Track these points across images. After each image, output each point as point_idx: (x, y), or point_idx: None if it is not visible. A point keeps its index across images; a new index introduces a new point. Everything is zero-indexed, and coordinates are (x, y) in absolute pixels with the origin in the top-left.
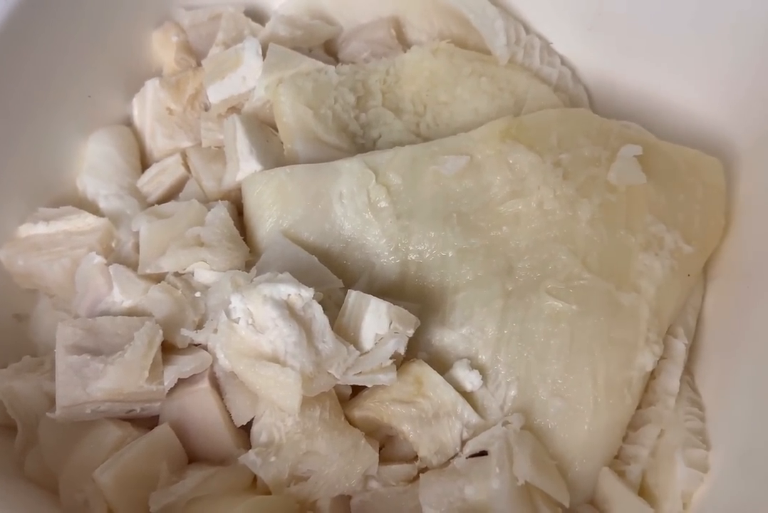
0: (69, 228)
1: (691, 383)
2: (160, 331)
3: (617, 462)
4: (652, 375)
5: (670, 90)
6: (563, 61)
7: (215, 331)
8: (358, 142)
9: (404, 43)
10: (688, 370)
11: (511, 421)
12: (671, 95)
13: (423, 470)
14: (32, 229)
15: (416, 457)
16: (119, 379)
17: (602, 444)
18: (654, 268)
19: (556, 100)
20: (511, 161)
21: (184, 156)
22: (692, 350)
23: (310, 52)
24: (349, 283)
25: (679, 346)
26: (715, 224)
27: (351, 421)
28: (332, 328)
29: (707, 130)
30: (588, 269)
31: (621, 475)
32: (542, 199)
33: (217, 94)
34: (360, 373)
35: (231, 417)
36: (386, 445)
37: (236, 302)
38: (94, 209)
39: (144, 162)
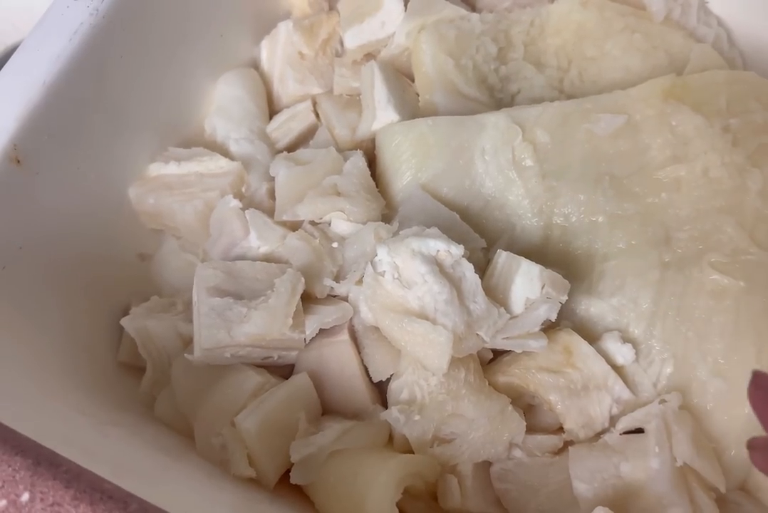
0: (201, 170)
1: None
2: (302, 279)
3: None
4: None
5: None
6: (719, 22)
7: (358, 283)
8: (496, 96)
9: None
10: None
11: (668, 399)
12: None
13: (568, 443)
14: (163, 169)
15: (559, 430)
16: (264, 324)
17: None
18: None
19: (722, 62)
20: (673, 123)
21: (315, 103)
22: None
23: None
24: (489, 244)
25: None
26: None
27: (494, 387)
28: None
29: None
30: (756, 243)
31: None
32: (708, 166)
33: (354, 39)
34: (509, 337)
35: (368, 372)
36: (527, 414)
37: (382, 255)
38: (223, 152)
39: (271, 107)
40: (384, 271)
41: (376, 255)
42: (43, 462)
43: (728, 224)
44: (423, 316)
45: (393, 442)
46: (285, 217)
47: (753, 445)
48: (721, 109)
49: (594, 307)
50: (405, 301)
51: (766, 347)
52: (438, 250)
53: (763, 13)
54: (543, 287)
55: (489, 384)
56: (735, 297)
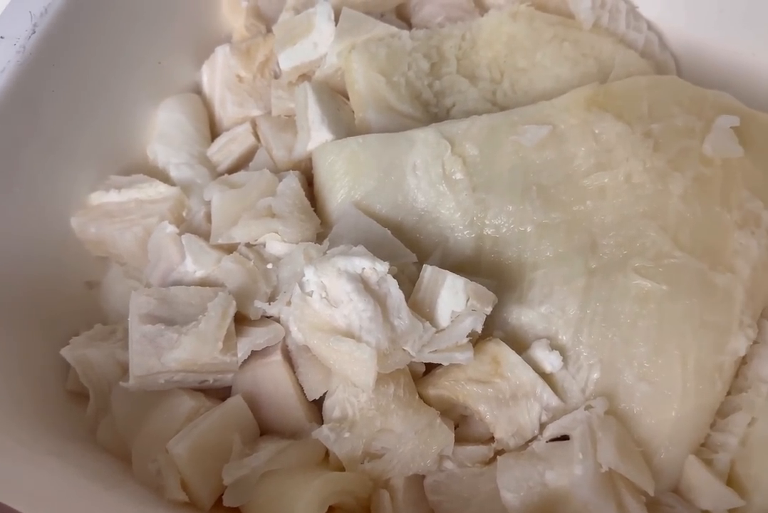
0: (140, 196)
1: None
2: (234, 302)
3: (704, 450)
4: (743, 360)
5: (764, 58)
6: (650, 26)
7: (288, 303)
8: (431, 111)
9: (481, 7)
10: None
11: (594, 405)
12: (765, 63)
13: (499, 452)
14: (104, 197)
15: (492, 439)
16: (194, 349)
17: (689, 431)
18: (750, 247)
19: (645, 67)
20: (597, 131)
21: (254, 125)
22: None
23: (381, 17)
24: (422, 257)
25: None
26: None
27: (425, 400)
28: (407, 303)
29: None
30: (679, 247)
31: (708, 463)
32: (631, 172)
33: (288, 60)
34: (435, 350)
35: (303, 391)
36: (460, 425)
37: (310, 275)
38: (164, 178)
39: (213, 130)
40: (312, 291)
41: (304, 275)
42: None
43: (651, 229)
44: (349, 334)
45: (329, 459)
46: (220, 241)
47: None
48: (643, 114)
49: (524, 316)
50: (332, 319)
51: (689, 350)
52: (363, 268)
53: (693, 14)
54: (468, 300)
55: (421, 397)
56: (658, 301)
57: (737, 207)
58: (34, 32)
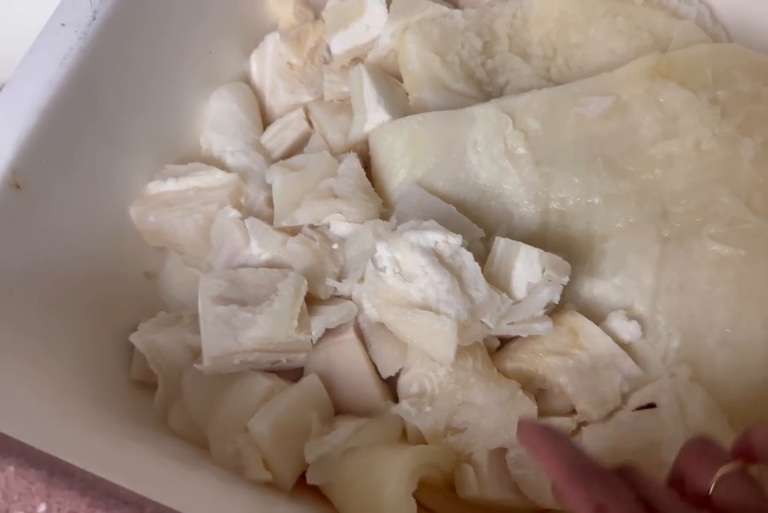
0: (199, 184)
1: None
2: (305, 281)
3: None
4: None
5: None
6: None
7: (360, 280)
8: (485, 90)
9: None
10: None
11: (677, 372)
12: None
13: (582, 424)
14: (162, 186)
15: (572, 413)
16: (269, 328)
17: None
18: None
19: (704, 36)
20: (661, 100)
21: (306, 111)
22: None
23: None
24: (488, 234)
25: None
26: None
27: (503, 373)
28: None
29: None
30: (754, 212)
31: None
32: (699, 139)
33: (340, 44)
34: (513, 322)
35: (377, 369)
36: (538, 398)
37: (382, 250)
38: (220, 166)
39: (264, 119)
40: (384, 267)
41: (376, 251)
42: (58, 473)
43: (724, 195)
44: (426, 307)
45: (407, 436)
46: (284, 223)
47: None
48: (707, 82)
49: (597, 288)
50: (407, 294)
51: None
52: (436, 242)
53: None
54: (544, 270)
55: (498, 371)
56: (737, 266)
57: None
58: (94, 19)
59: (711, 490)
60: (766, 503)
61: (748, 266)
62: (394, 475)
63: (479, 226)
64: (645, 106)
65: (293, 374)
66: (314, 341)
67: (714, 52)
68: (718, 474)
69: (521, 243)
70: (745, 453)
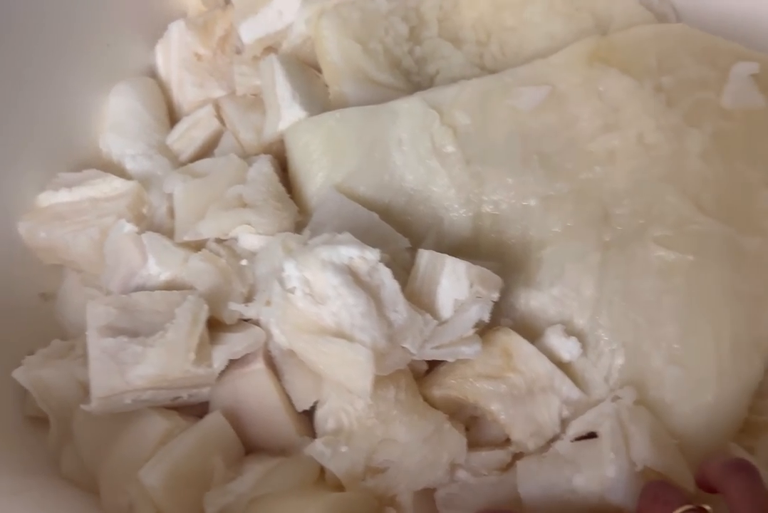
0: (94, 194)
1: None
2: (206, 306)
3: (743, 436)
4: None
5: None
6: None
7: (268, 303)
8: (414, 80)
9: None
10: None
11: (621, 395)
12: None
13: (518, 456)
14: (53, 198)
15: (507, 441)
16: (162, 363)
17: (728, 417)
18: None
19: (648, 16)
20: (601, 89)
21: (217, 107)
22: None
23: None
24: (415, 242)
25: None
26: None
27: (430, 402)
28: (403, 294)
29: None
30: (703, 211)
31: (750, 451)
32: (642, 132)
33: (250, 32)
34: (439, 345)
35: (291, 401)
36: (471, 428)
37: (290, 269)
38: (120, 172)
39: (172, 117)
40: (294, 288)
41: (284, 270)
42: None
43: (670, 193)
44: (340, 333)
45: (325, 478)
46: (186, 238)
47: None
48: (652, 67)
49: (534, 300)
50: (319, 318)
51: (723, 325)
52: (351, 258)
53: None
54: (471, 286)
55: (425, 399)
56: (685, 273)
57: (763, 163)
58: None
59: None
60: None
61: (697, 273)
62: None
63: (407, 233)
64: (583, 96)
65: (198, 409)
66: (217, 374)
67: (659, 34)
68: None
69: (446, 256)
70: (704, 485)
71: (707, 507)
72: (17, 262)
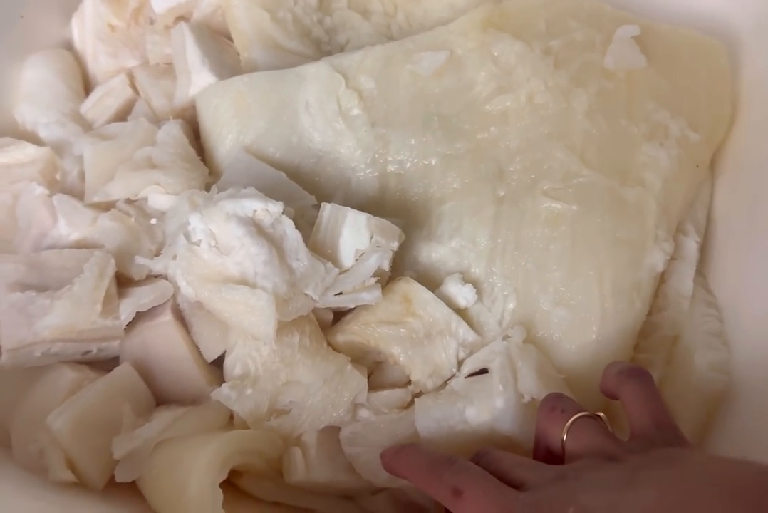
0: (7, 160)
1: (704, 284)
2: (113, 261)
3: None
4: (662, 278)
5: None
6: None
7: (174, 257)
8: (324, 49)
9: None
10: (700, 272)
11: (511, 334)
12: None
13: (417, 395)
14: None
15: (409, 382)
16: (68, 314)
17: (612, 353)
18: (659, 159)
19: None
20: (495, 53)
21: (131, 76)
22: (703, 250)
23: None
24: (324, 200)
25: (691, 245)
26: (721, 110)
27: (335, 348)
28: (307, 246)
29: (701, 11)
30: (587, 165)
31: None
32: (532, 93)
33: (162, 2)
34: (341, 293)
35: (200, 352)
36: (375, 371)
37: (195, 223)
38: (34, 140)
39: (88, 87)
40: (199, 240)
41: (189, 224)
42: None
43: (558, 149)
44: (243, 281)
45: (234, 423)
46: (96, 199)
47: (382, 453)
48: (541, 31)
49: (435, 253)
50: (224, 268)
51: (605, 269)
52: (255, 210)
53: None
54: (372, 237)
55: (330, 346)
56: (570, 222)
57: (644, 119)
58: None
59: (563, 440)
60: (612, 442)
61: (580, 221)
62: (200, 466)
63: (316, 193)
64: (479, 60)
65: (110, 364)
66: (124, 326)
67: (549, 0)
68: (567, 424)
69: (348, 208)
70: (605, 390)
71: (600, 414)
72: None
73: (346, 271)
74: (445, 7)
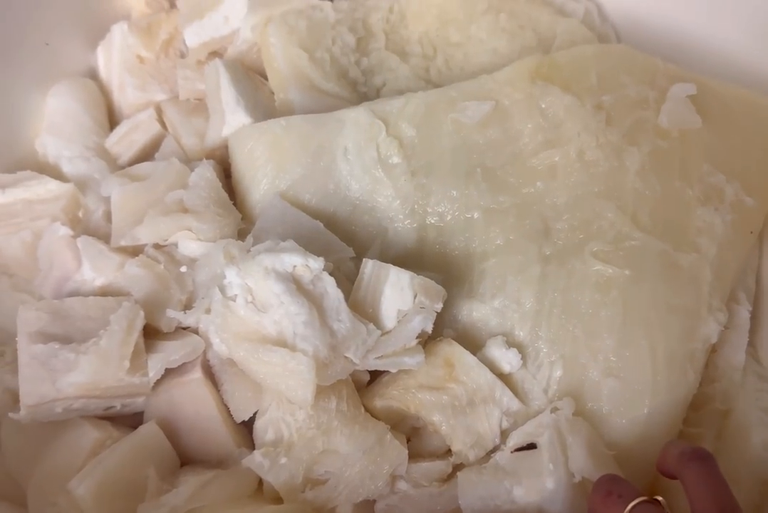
0: (28, 196)
1: (754, 355)
2: (141, 313)
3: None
4: (713, 348)
5: (705, 27)
6: None
7: (208, 311)
8: (360, 91)
9: None
10: (750, 341)
11: (560, 406)
12: (707, 33)
13: (458, 467)
14: None
15: (449, 452)
16: (95, 371)
17: (663, 429)
18: (714, 224)
19: (589, 36)
20: (543, 106)
21: (159, 110)
22: (752, 318)
23: None
24: (360, 251)
25: (743, 314)
26: None
27: (372, 413)
28: (347, 305)
29: (750, 71)
30: (639, 228)
31: None
32: (583, 149)
33: (195, 36)
34: (382, 356)
35: (229, 411)
36: (412, 438)
37: (232, 277)
38: (56, 174)
39: (112, 119)
40: (235, 295)
41: (225, 277)
42: None
43: (608, 209)
44: (281, 342)
45: (263, 490)
46: (123, 242)
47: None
48: (592, 86)
49: (476, 312)
50: (261, 327)
51: (658, 339)
52: (294, 266)
53: None
54: (415, 296)
55: (366, 410)
56: (621, 287)
57: (698, 181)
58: None
59: None
60: None
61: (633, 287)
62: None
63: (351, 242)
64: (526, 112)
65: (133, 420)
66: (152, 383)
67: (600, 53)
68: (626, 511)
69: (391, 266)
70: (664, 470)
71: (660, 498)
72: None
73: (387, 332)
74: (487, 52)
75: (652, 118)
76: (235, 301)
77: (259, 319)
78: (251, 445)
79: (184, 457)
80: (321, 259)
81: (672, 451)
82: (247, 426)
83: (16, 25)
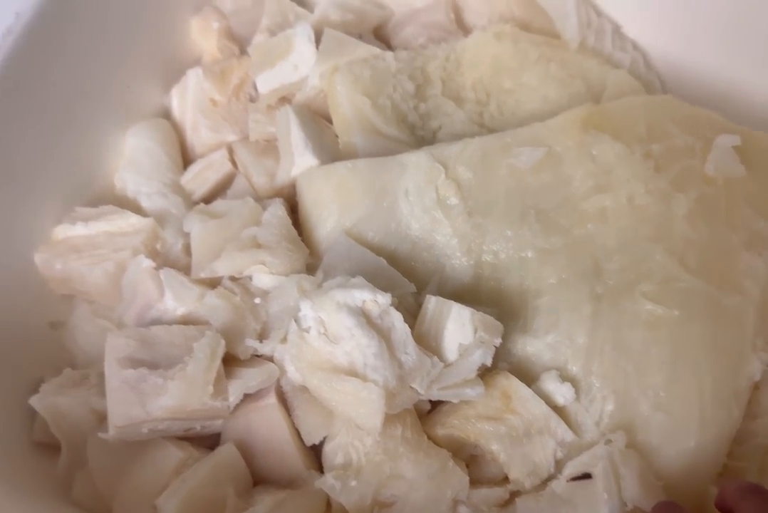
0: (110, 229)
1: None
2: (223, 342)
3: (722, 481)
4: (756, 385)
5: (748, 77)
6: (635, 46)
7: (283, 341)
8: (418, 134)
9: (463, 28)
10: None
11: (613, 439)
12: (750, 82)
13: (515, 494)
14: (70, 231)
15: (506, 479)
16: (182, 395)
17: (708, 461)
18: (758, 268)
19: (637, 87)
20: (594, 152)
21: (230, 150)
22: None
23: (360, 38)
24: (419, 287)
25: None
26: None
27: (433, 440)
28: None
29: None
30: (687, 270)
31: None
32: (633, 194)
33: (266, 83)
34: (444, 387)
35: (300, 435)
36: (470, 465)
37: (306, 310)
38: (135, 208)
39: (185, 158)
40: (309, 327)
41: (300, 310)
42: None
43: (657, 252)
44: (352, 372)
45: (332, 510)
46: (203, 275)
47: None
48: (641, 135)
49: (530, 346)
50: (333, 357)
51: (705, 376)
52: (364, 301)
53: (677, 33)
54: (476, 331)
55: (428, 437)
56: (670, 326)
57: (742, 227)
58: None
59: None
60: None
61: (681, 327)
62: None
63: (411, 277)
64: (577, 158)
65: (209, 441)
66: (231, 407)
67: (648, 104)
68: None
69: (453, 302)
70: (722, 506)
71: None
72: (29, 291)
73: (449, 365)
74: (537, 99)
75: (699, 166)
76: (309, 332)
77: (332, 350)
78: (319, 468)
79: (257, 476)
80: (388, 294)
81: (730, 486)
82: (315, 449)
83: (104, 70)
